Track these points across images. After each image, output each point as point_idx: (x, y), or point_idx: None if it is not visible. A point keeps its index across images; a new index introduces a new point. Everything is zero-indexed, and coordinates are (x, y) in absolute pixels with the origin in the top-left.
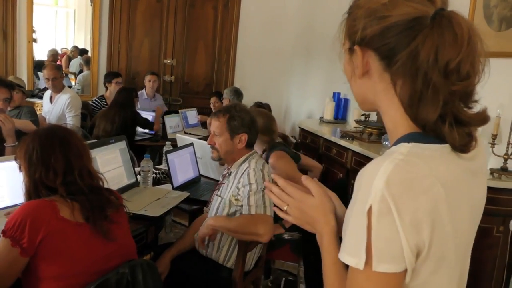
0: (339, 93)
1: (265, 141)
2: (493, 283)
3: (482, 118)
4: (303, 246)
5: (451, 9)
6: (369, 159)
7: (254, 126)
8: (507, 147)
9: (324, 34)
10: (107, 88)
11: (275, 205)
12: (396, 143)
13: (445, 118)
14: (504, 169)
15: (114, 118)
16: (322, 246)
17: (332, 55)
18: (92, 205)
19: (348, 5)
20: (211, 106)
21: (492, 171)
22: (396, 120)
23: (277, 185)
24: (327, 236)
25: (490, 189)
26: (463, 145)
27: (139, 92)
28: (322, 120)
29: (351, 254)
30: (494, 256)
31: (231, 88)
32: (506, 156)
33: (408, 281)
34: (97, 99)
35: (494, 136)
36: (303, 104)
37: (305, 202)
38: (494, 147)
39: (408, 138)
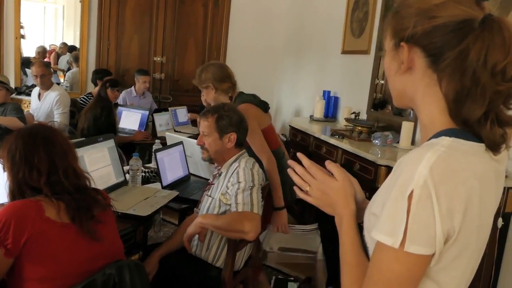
0: (329, 92)
1: (227, 89)
2: (481, 281)
3: None
4: (323, 244)
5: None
6: (359, 158)
7: (242, 125)
8: None
9: (314, 34)
10: (96, 85)
11: (295, 185)
12: (435, 137)
13: (488, 116)
14: None
15: (88, 113)
16: (341, 228)
17: (323, 54)
18: (78, 205)
19: (336, 7)
20: (202, 99)
21: None
22: (434, 115)
23: (300, 165)
24: (347, 218)
25: None
26: (498, 145)
27: (128, 90)
28: (312, 119)
29: (388, 234)
30: (483, 255)
31: None
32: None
33: (433, 265)
34: (85, 97)
35: None
36: (294, 102)
37: (327, 184)
38: None
39: (449, 132)
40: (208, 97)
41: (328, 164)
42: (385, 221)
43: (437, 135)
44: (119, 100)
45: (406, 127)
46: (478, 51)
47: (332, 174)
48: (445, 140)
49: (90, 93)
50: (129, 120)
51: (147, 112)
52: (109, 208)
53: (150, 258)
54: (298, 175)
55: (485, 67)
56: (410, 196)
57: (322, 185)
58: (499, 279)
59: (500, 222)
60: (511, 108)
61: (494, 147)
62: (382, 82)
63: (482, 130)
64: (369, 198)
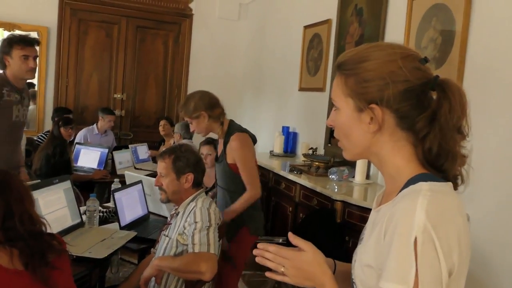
0: (288, 127)
1: (219, 115)
2: None
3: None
4: None
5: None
6: (316, 193)
7: (199, 166)
8: None
9: (272, 71)
10: None
11: (271, 270)
12: (409, 183)
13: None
14: None
15: (41, 153)
16: None
17: (281, 90)
18: (32, 251)
19: (292, 46)
20: (160, 129)
21: None
22: (401, 166)
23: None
24: (329, 283)
25: None
26: (457, 185)
27: (90, 127)
28: (272, 154)
29: (399, 282)
30: None
31: (181, 123)
32: None
33: None
34: (43, 135)
35: None
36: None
37: (300, 259)
38: None
39: (422, 177)
40: (200, 126)
41: (292, 238)
42: (394, 270)
43: (411, 181)
44: (80, 138)
45: (361, 162)
46: (447, 110)
47: (298, 247)
48: (424, 185)
49: (48, 131)
50: (88, 158)
51: (106, 150)
52: (64, 254)
53: None
54: (270, 259)
55: (453, 125)
56: (415, 243)
57: (295, 262)
58: None
59: None
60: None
61: (456, 184)
62: None
63: (451, 172)
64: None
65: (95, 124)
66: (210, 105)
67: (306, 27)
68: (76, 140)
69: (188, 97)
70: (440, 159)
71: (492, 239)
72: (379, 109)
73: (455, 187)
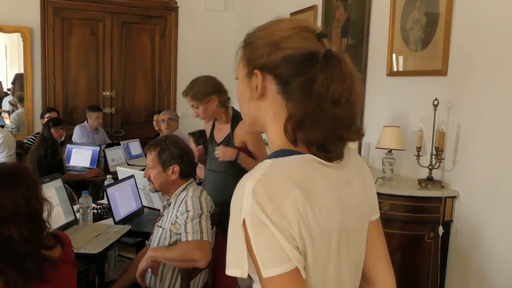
0: None
1: (226, 99)
2: (429, 287)
3: (359, 134)
4: None
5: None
6: None
7: (185, 157)
8: (431, 158)
9: None
10: None
11: None
12: (267, 158)
13: (328, 137)
14: (429, 179)
15: (32, 155)
16: None
17: None
18: (17, 270)
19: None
20: (154, 124)
21: (420, 181)
22: (274, 139)
23: None
24: None
25: (418, 199)
26: (335, 158)
27: (81, 125)
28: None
29: (237, 266)
30: (428, 262)
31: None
32: (430, 167)
33: (305, 277)
34: (33, 137)
35: (419, 149)
36: None
37: None
38: (419, 159)
39: (275, 154)
40: (208, 111)
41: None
42: (231, 254)
43: (268, 157)
44: (78, 135)
45: (351, 145)
46: (323, 80)
47: None
48: (265, 163)
49: (38, 133)
50: (80, 157)
51: (98, 148)
52: (62, 262)
53: None
54: None
55: (327, 95)
56: (244, 224)
57: None
58: (445, 285)
59: (440, 230)
60: (351, 127)
61: (330, 160)
62: None
63: (320, 149)
64: None
65: (85, 122)
66: (219, 90)
67: (292, 14)
68: (74, 137)
69: (196, 81)
70: (304, 126)
71: (481, 215)
72: (260, 74)
73: (328, 158)
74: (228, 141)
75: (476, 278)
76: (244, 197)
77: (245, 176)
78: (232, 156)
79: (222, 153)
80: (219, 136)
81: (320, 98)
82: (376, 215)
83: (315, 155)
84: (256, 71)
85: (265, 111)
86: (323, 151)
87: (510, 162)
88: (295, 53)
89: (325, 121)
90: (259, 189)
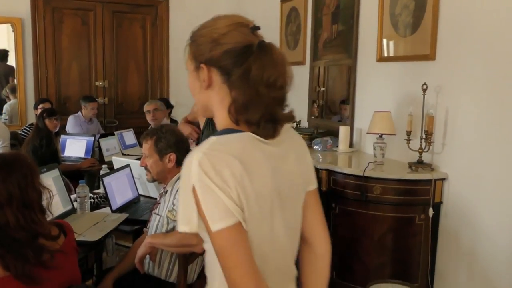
0: None
1: None
2: (420, 267)
3: (290, 116)
4: None
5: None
6: None
7: (182, 145)
8: (420, 142)
9: None
10: None
11: None
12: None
13: (265, 117)
14: (420, 162)
15: (27, 146)
16: None
17: None
18: (16, 256)
19: (270, 21)
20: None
21: (410, 165)
22: (221, 121)
23: None
24: None
25: (408, 182)
26: (270, 136)
27: (75, 115)
28: None
29: (186, 224)
30: (419, 242)
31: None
32: (420, 150)
33: (246, 229)
34: (27, 128)
35: (409, 133)
36: None
37: None
38: (409, 142)
39: (220, 132)
40: None
41: None
42: (182, 214)
43: (214, 135)
44: (71, 125)
45: (343, 131)
46: (257, 68)
47: None
48: (211, 139)
49: (32, 124)
50: (74, 147)
51: (92, 138)
52: (61, 252)
53: (103, 282)
54: None
55: (262, 80)
56: (194, 190)
57: None
58: (436, 264)
59: (431, 211)
60: (284, 109)
61: (267, 137)
62: (323, 89)
63: (259, 127)
64: None
65: (79, 112)
66: None
67: (283, 1)
68: (67, 127)
69: None
70: (245, 109)
71: (470, 196)
72: (205, 68)
73: (265, 135)
74: None
75: (465, 257)
76: (192, 167)
77: (194, 150)
78: None
79: None
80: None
81: (257, 84)
82: (313, 186)
83: (254, 133)
84: (202, 65)
85: (212, 99)
86: (261, 130)
87: (497, 144)
88: (233, 47)
89: (263, 103)
90: (204, 160)
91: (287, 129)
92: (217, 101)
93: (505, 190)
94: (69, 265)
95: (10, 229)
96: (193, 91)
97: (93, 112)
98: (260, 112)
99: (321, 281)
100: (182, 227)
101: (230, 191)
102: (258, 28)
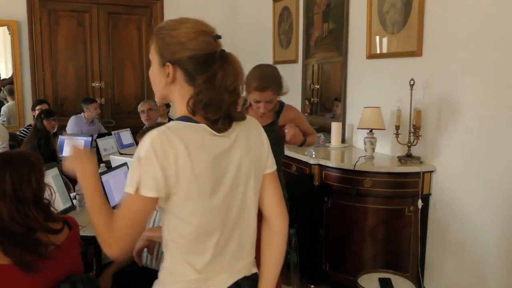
0: None
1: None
2: (410, 257)
3: (242, 115)
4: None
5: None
6: (295, 160)
7: None
8: (409, 136)
9: (247, 47)
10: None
11: None
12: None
13: (223, 116)
14: (408, 155)
15: (26, 146)
16: (85, 179)
17: (256, 65)
18: (15, 244)
19: (263, 21)
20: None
21: (399, 158)
22: (179, 110)
23: None
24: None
25: (398, 175)
26: (222, 130)
27: (77, 116)
28: None
29: (129, 186)
30: (409, 233)
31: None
32: (409, 144)
33: (164, 205)
34: (26, 129)
35: (397, 127)
36: None
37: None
38: (398, 137)
39: (179, 118)
40: (273, 103)
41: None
42: (128, 179)
43: (174, 119)
44: (68, 128)
45: (335, 127)
46: (222, 76)
47: None
48: (170, 123)
49: (30, 125)
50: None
51: (90, 139)
52: (74, 234)
53: (103, 275)
54: None
55: (225, 87)
56: (140, 159)
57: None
58: (425, 254)
59: (420, 203)
60: (237, 108)
61: (219, 131)
62: (318, 87)
63: (213, 123)
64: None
65: (82, 114)
66: None
67: (275, 1)
68: (68, 127)
69: (267, 73)
70: (207, 109)
71: (457, 188)
72: (171, 67)
73: (218, 130)
74: (271, 127)
75: (453, 247)
76: (145, 143)
77: (154, 129)
78: (300, 138)
79: (293, 134)
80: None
81: (220, 90)
82: (270, 169)
83: (208, 126)
84: (168, 63)
85: (174, 93)
86: (215, 125)
87: (482, 136)
88: (197, 53)
89: (223, 106)
90: (156, 139)
91: (244, 121)
92: (178, 96)
93: (490, 182)
94: (72, 257)
95: (3, 221)
96: (153, 82)
97: (96, 112)
98: (220, 113)
99: (275, 254)
100: (126, 188)
101: (169, 169)
102: (219, 37)
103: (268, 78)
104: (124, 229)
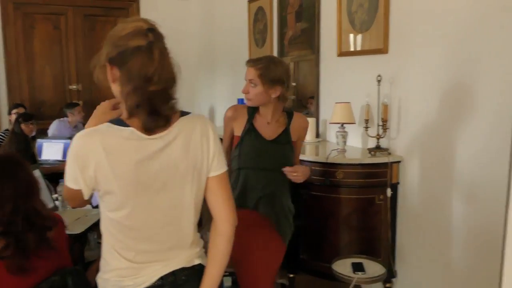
0: (242, 99)
1: (285, 96)
2: (382, 243)
3: (175, 112)
4: None
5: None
6: None
7: None
8: (378, 129)
9: (224, 47)
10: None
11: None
12: None
13: (145, 109)
14: (377, 147)
15: (6, 149)
16: None
17: (234, 65)
18: (7, 244)
19: (239, 21)
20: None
21: (369, 150)
22: (123, 111)
23: None
24: None
25: (368, 166)
26: (151, 129)
27: (60, 120)
28: None
29: (66, 180)
30: (380, 221)
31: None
32: (377, 136)
33: (87, 197)
34: (3, 134)
35: (367, 121)
36: (213, 113)
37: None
38: (367, 130)
39: (111, 121)
40: (260, 98)
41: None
42: (65, 173)
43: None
44: (50, 131)
45: (310, 123)
46: (139, 64)
47: None
48: (101, 125)
49: (7, 129)
50: (51, 151)
51: (69, 141)
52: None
53: (89, 269)
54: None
55: (141, 76)
56: (70, 156)
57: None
58: (396, 240)
59: (389, 192)
60: (170, 104)
61: (148, 130)
62: (294, 84)
63: (140, 119)
64: None
65: (65, 118)
66: (287, 81)
67: (250, 1)
68: (49, 130)
69: (272, 60)
70: (127, 102)
71: (422, 176)
72: (109, 66)
73: (150, 132)
74: (285, 137)
75: (422, 231)
76: (73, 142)
77: (83, 130)
78: (308, 173)
79: (304, 175)
80: (267, 131)
81: (135, 79)
82: (215, 172)
83: (138, 127)
84: (106, 63)
85: (116, 92)
86: (143, 125)
87: (443, 127)
88: (125, 49)
89: (140, 94)
90: (79, 140)
91: (185, 123)
92: (119, 95)
93: (452, 170)
94: (62, 252)
95: (7, 220)
96: (103, 82)
97: (81, 115)
98: (137, 101)
99: (218, 255)
100: (69, 183)
101: (87, 168)
102: (151, 30)
103: (261, 59)
104: (67, 198)
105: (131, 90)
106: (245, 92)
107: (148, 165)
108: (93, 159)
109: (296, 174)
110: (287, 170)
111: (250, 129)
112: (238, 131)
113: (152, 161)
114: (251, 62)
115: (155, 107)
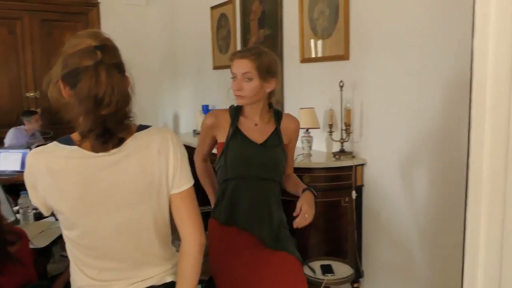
0: (207, 105)
1: (273, 92)
2: (349, 244)
3: (130, 130)
4: None
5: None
6: None
7: None
8: (341, 133)
9: (187, 54)
10: None
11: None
12: None
13: (97, 132)
14: (342, 151)
15: None
16: None
17: (197, 71)
18: None
19: (202, 27)
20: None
21: (334, 154)
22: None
23: None
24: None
25: (333, 169)
26: (101, 149)
27: (17, 128)
28: (195, 132)
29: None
30: (346, 222)
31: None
32: (341, 140)
33: (46, 214)
34: None
35: (330, 126)
36: (178, 119)
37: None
38: (332, 134)
39: (60, 139)
40: (258, 93)
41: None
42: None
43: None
44: (7, 140)
45: None
46: (87, 86)
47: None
48: (51, 144)
49: None
50: (9, 161)
51: (26, 151)
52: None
53: (55, 285)
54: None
55: (90, 98)
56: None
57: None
58: (362, 241)
59: (354, 194)
60: (125, 122)
61: (96, 150)
62: None
63: (89, 139)
64: None
65: (22, 126)
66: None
67: (212, 8)
68: (6, 140)
69: (261, 49)
70: (80, 125)
71: (385, 178)
72: (61, 83)
73: (96, 150)
74: (276, 139)
75: (385, 230)
76: (27, 158)
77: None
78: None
79: (310, 217)
80: (255, 134)
81: (85, 102)
82: (178, 189)
83: (87, 146)
84: (60, 81)
85: (71, 109)
86: (92, 147)
87: (404, 129)
88: (74, 68)
89: (93, 119)
90: (29, 159)
91: (140, 139)
92: (73, 115)
93: (412, 172)
94: (26, 267)
95: None
96: (61, 100)
97: (38, 124)
98: (87, 125)
99: (186, 273)
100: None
101: (37, 188)
102: (100, 47)
103: (251, 49)
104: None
105: (83, 114)
106: (239, 88)
107: (96, 183)
108: (40, 180)
109: (298, 220)
110: (297, 222)
111: (236, 132)
112: (222, 137)
113: (99, 179)
114: (242, 53)
115: (108, 129)
